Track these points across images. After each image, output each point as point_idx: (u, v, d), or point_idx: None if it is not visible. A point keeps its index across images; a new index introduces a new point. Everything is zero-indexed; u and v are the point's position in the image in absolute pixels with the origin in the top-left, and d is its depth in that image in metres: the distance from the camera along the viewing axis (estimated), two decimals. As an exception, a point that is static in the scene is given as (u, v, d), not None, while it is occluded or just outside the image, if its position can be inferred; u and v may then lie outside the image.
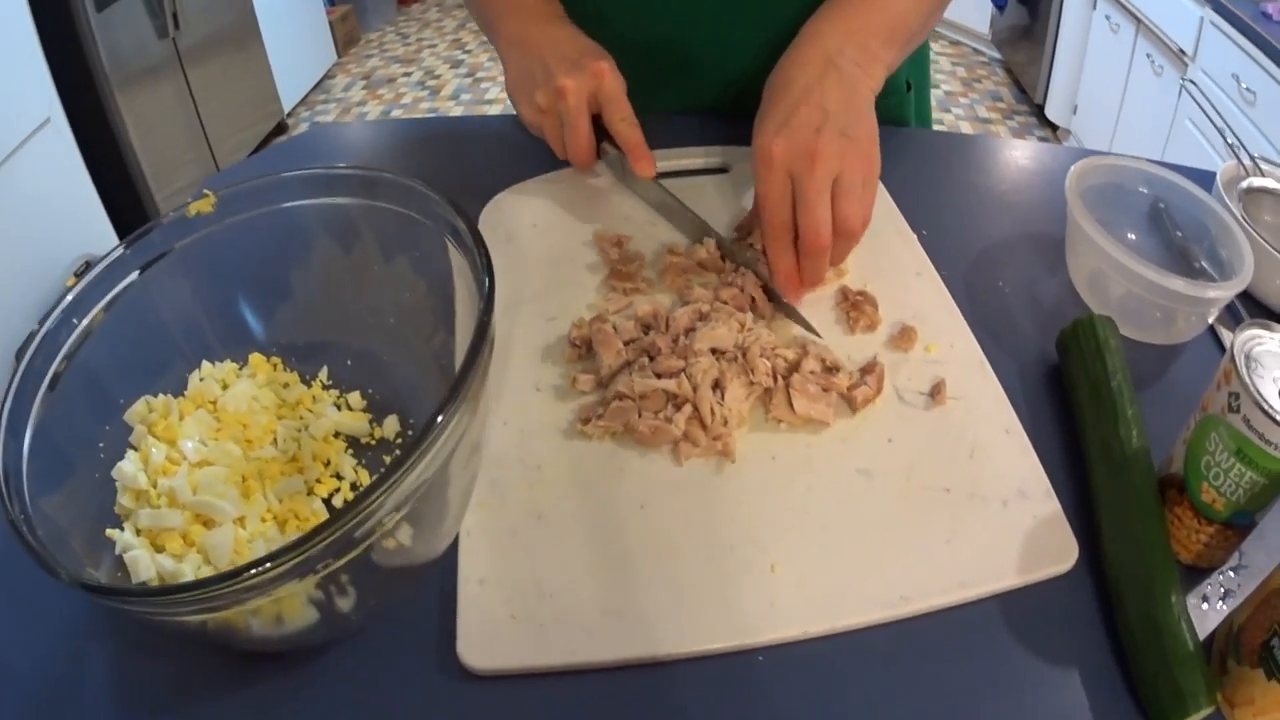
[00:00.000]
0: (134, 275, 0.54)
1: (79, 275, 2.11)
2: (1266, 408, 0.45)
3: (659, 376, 0.58)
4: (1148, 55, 2.58)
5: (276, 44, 3.36)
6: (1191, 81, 2.25)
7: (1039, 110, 3.40)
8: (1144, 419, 0.56)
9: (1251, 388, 0.46)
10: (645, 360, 0.59)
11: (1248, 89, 2.08)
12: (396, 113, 3.76)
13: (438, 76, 4.05)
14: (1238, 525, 0.50)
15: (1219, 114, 1.01)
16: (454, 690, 0.47)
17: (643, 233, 0.74)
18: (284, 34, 3.45)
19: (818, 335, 0.64)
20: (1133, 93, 2.73)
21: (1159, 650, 0.46)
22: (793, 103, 0.65)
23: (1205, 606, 0.52)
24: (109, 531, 0.48)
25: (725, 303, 0.64)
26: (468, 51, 4.27)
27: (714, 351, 0.60)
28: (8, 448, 0.44)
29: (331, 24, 3.99)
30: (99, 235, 2.41)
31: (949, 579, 0.50)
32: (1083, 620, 0.50)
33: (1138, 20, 2.60)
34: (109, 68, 2.41)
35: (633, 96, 0.73)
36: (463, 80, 4.00)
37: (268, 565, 0.37)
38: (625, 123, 0.72)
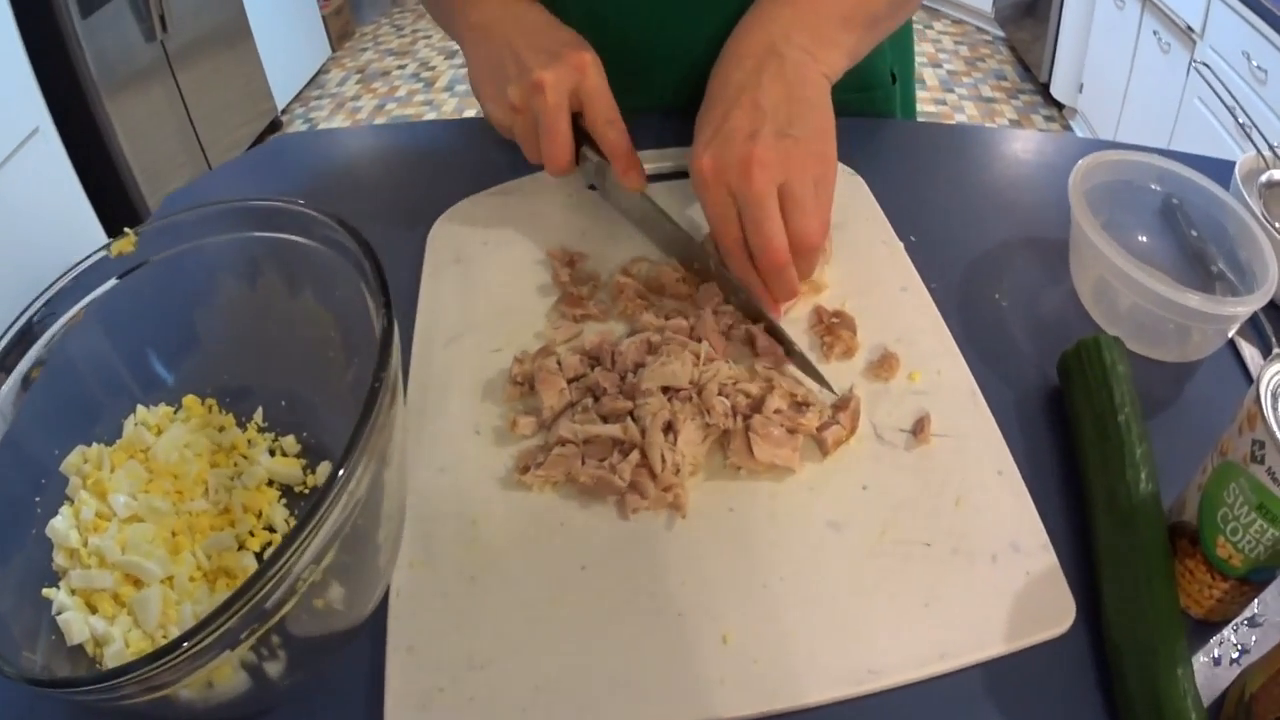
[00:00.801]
0: (66, 318, 0.52)
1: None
2: None
3: (604, 420, 0.52)
4: (1154, 32, 2.50)
5: (268, 41, 3.30)
6: (1204, 64, 2.16)
7: (1044, 89, 3.31)
8: (1154, 454, 0.50)
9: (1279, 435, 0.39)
10: (589, 401, 0.53)
11: (1259, 67, 2.00)
12: (391, 106, 3.71)
13: (432, 68, 3.99)
14: (1255, 581, 0.44)
15: (1230, 94, 0.93)
16: None
17: (601, 251, 0.67)
18: (276, 30, 3.39)
19: (832, 390, 0.56)
20: (1139, 71, 2.64)
21: (1160, 726, 0.40)
22: (726, 107, 0.59)
23: (1216, 668, 0.46)
24: (45, 590, 0.46)
25: (675, 333, 0.58)
26: (464, 42, 4.21)
27: (666, 390, 0.53)
28: None
29: (325, 18, 3.93)
30: (93, 244, 2.35)
31: (926, 650, 0.44)
32: (1078, 690, 0.44)
33: (1143, -4, 2.51)
34: (96, 74, 2.36)
35: None
36: (458, 71, 3.94)
37: (185, 646, 0.34)
38: (611, 126, 0.63)
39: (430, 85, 3.85)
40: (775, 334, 0.58)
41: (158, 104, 2.68)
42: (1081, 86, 3.04)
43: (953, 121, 3.20)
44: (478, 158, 0.81)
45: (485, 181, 0.76)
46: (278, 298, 0.56)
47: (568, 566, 0.48)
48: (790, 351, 0.57)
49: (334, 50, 4.09)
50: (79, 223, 2.33)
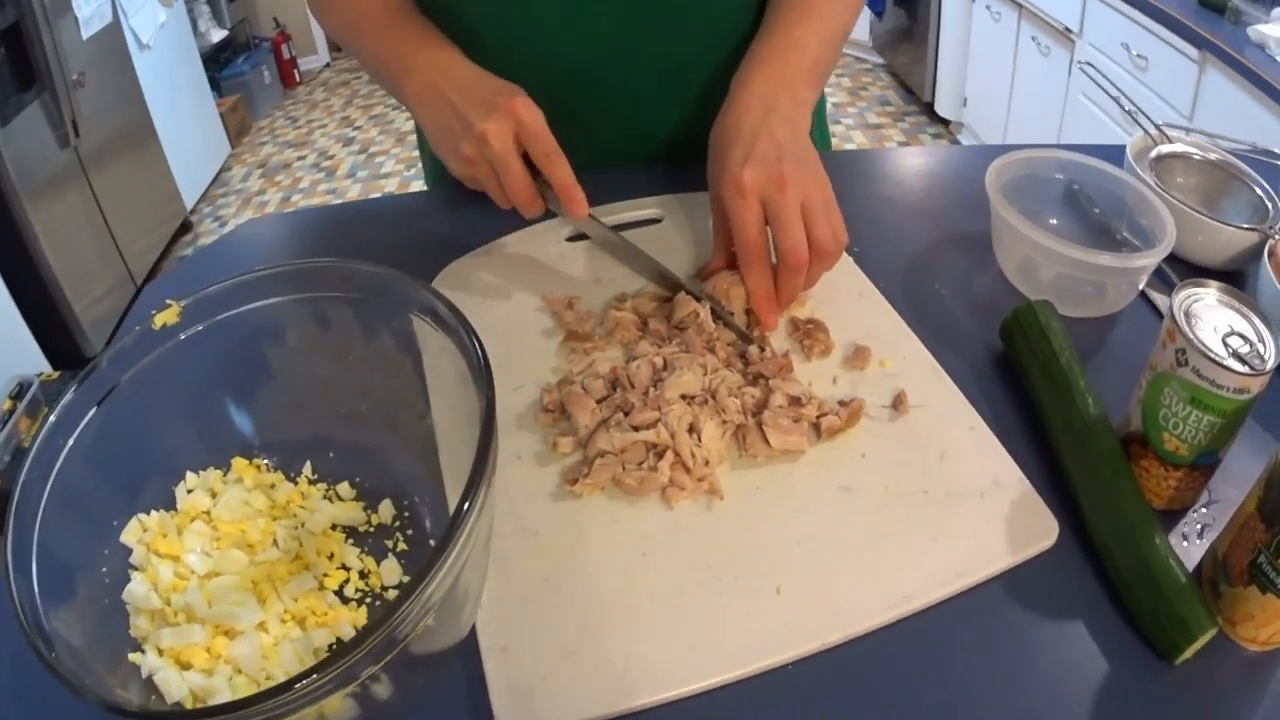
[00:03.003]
0: (106, 391, 0.53)
1: (15, 398, 2.03)
2: (1213, 356, 0.49)
3: (636, 429, 0.59)
4: (1033, 38, 2.69)
5: (172, 142, 3.30)
6: (1089, 64, 2.36)
7: (929, 108, 3.51)
8: (1094, 388, 0.60)
9: (1196, 341, 0.50)
10: (620, 416, 0.61)
11: (1139, 55, 2.19)
12: (296, 198, 3.72)
13: (331, 157, 4.02)
14: (1203, 465, 0.54)
15: (1114, 85, 1.05)
16: None
17: (589, 292, 0.75)
18: (178, 131, 3.39)
19: (752, 340, 0.68)
20: (1022, 78, 2.83)
21: (1154, 589, 0.49)
22: (749, 139, 0.69)
23: (1185, 544, 0.56)
24: (132, 656, 0.47)
25: (679, 350, 0.66)
26: (358, 128, 4.25)
27: (684, 398, 0.61)
28: (20, 585, 0.44)
29: (222, 116, 3.94)
30: (25, 353, 2.35)
31: (945, 572, 0.53)
32: (1077, 582, 0.54)
33: (1019, 6, 2.71)
34: (16, 181, 2.36)
35: None
36: (356, 158, 3.97)
37: (315, 677, 0.37)
38: (549, 160, 0.69)
39: (332, 174, 3.86)
40: (720, 317, 0.69)
41: (75, 210, 2.68)
42: (965, 100, 3.24)
43: (843, 150, 3.38)
44: (447, 225, 0.87)
45: (460, 246, 0.82)
46: (336, 350, 0.60)
47: (630, 555, 0.55)
48: (719, 318, 0.69)
49: (234, 147, 4.09)
50: (10, 332, 2.32)
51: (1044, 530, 0.55)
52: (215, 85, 3.97)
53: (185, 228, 3.45)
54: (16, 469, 0.48)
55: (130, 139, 3.05)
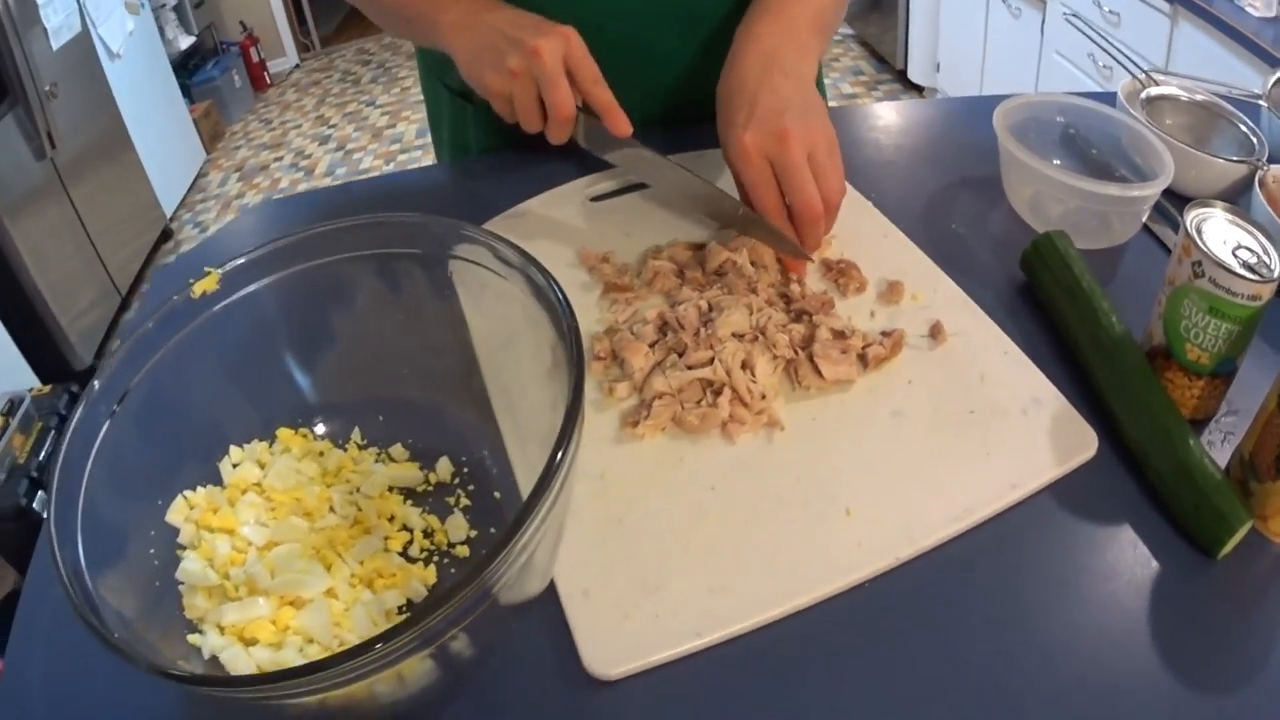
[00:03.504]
0: (146, 367, 0.52)
1: (6, 415, 2.02)
2: (1228, 266, 0.53)
3: (691, 368, 0.62)
4: (1004, 1, 2.72)
5: (148, 149, 3.28)
6: (1075, 15, 2.38)
7: (901, 75, 3.54)
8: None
9: (1211, 253, 0.54)
10: (674, 357, 0.64)
11: (1111, 11, 2.23)
12: (277, 199, 3.69)
13: (308, 156, 4.00)
14: (1223, 373, 0.58)
15: (1091, 40, 1.09)
16: (583, 701, 0.49)
17: (622, 246, 0.78)
18: (153, 138, 3.36)
19: (803, 251, 0.71)
20: (994, 39, 2.86)
21: (1193, 487, 0.53)
22: (751, 96, 0.71)
23: (1213, 450, 0.59)
24: (190, 637, 0.47)
25: (721, 293, 0.69)
26: (332, 126, 4.24)
27: (734, 336, 0.64)
28: (65, 554, 0.42)
29: (195, 121, 3.92)
30: (12, 369, 2.34)
31: (1000, 484, 0.56)
32: (1120, 489, 0.57)
33: (990, -31, 2.73)
34: (-4, 196, 2.34)
35: None
36: (334, 155, 3.96)
37: (397, 639, 0.37)
38: (598, 85, 0.72)
39: (310, 173, 3.85)
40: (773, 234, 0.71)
41: (55, 223, 2.66)
42: (938, 66, 3.28)
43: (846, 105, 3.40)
44: (467, 195, 0.90)
45: (483, 214, 0.82)
46: (377, 310, 0.60)
47: (699, 490, 0.58)
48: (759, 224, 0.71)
49: (209, 152, 4.06)
50: (-4, 347, 2.30)
51: (1085, 442, 0.59)
52: (186, 92, 3.94)
53: (166, 235, 3.43)
54: (55, 448, 0.46)
55: (106, 149, 3.03)
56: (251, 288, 0.57)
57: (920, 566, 0.54)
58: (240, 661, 0.46)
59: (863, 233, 0.77)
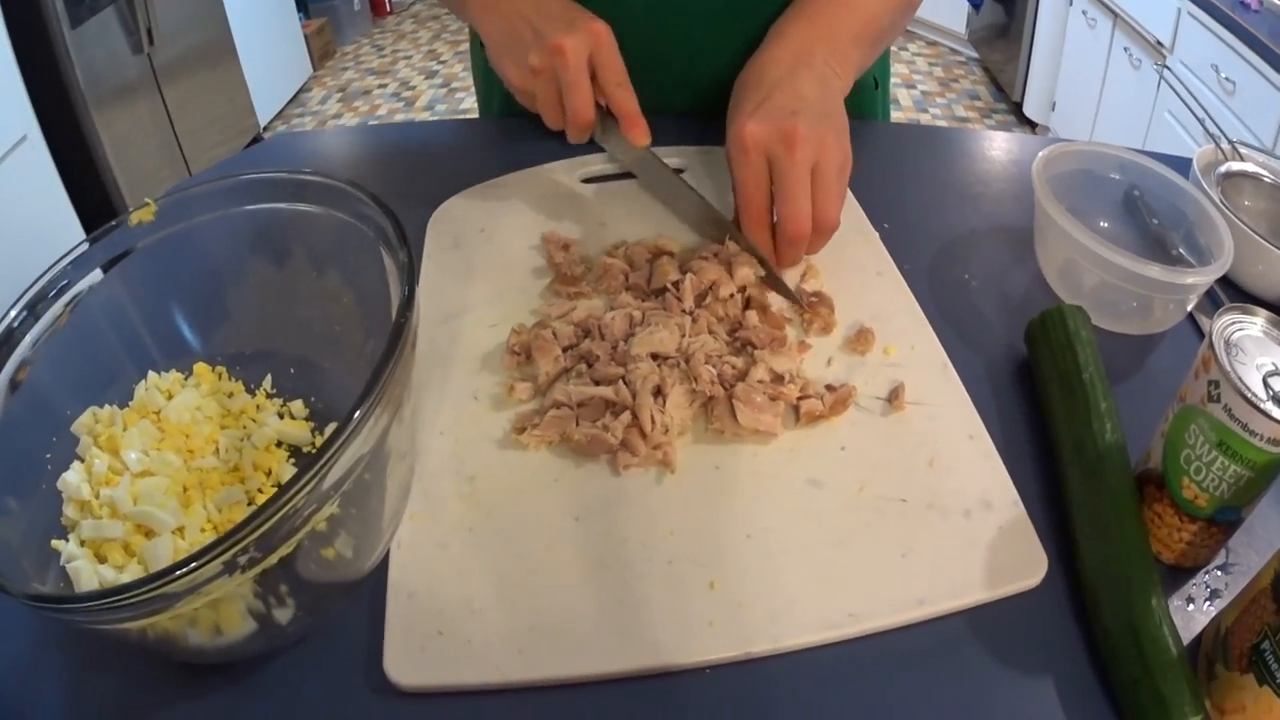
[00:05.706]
0: (82, 284, 0.53)
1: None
2: (1250, 396, 0.42)
3: (597, 384, 0.54)
4: (1125, 49, 2.57)
5: (251, 58, 3.32)
6: (1166, 67, 2.24)
7: (1017, 108, 3.37)
8: (1120, 413, 0.53)
9: (1233, 375, 0.42)
10: (583, 367, 0.55)
11: (1227, 79, 2.06)
12: (373, 124, 3.73)
13: (413, 88, 4.02)
14: (1222, 522, 0.47)
15: (1199, 103, 0.97)
16: (382, 707, 0.45)
17: (594, 234, 0.70)
18: (259, 48, 3.41)
19: (797, 300, 0.63)
20: (1111, 87, 2.71)
21: (1139, 656, 0.42)
22: (767, 90, 0.63)
23: (1191, 608, 0.48)
24: (54, 542, 0.47)
25: (658, 307, 0.61)
26: (442, 62, 4.24)
27: (655, 356, 0.56)
28: None
29: (307, 37, 3.96)
30: (78, 252, 2.37)
31: (905, 595, 0.46)
32: (1056, 632, 0.47)
33: (1114, 14, 2.59)
34: (84, 84, 2.37)
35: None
36: (438, 90, 3.98)
37: (193, 565, 0.36)
38: (621, 88, 0.69)
39: (411, 104, 3.87)
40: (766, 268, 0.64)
41: (143, 117, 2.69)
42: (1054, 105, 3.12)
43: (898, 123, 3.25)
44: (472, 156, 0.84)
45: (479, 177, 0.78)
46: (297, 270, 0.59)
47: (561, 518, 0.50)
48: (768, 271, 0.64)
49: (315, 69, 4.11)
50: (64, 230, 2.34)
51: (1030, 566, 0.48)
52: (302, 6, 3.98)
53: (257, 143, 3.47)
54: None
55: (206, 51, 3.06)
56: (189, 222, 0.57)
57: (773, 668, 0.45)
58: (84, 575, 0.47)
59: (854, 265, 0.67)
